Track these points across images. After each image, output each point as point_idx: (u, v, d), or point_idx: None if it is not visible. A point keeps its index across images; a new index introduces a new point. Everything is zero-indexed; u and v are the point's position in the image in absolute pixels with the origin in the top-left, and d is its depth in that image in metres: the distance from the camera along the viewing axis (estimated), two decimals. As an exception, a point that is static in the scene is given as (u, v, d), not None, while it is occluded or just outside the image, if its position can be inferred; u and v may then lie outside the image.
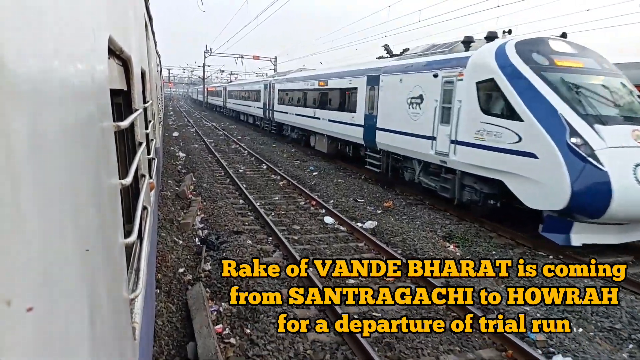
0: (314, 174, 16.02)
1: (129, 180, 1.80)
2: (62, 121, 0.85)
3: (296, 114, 22.11)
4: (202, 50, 56.75)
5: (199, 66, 65.40)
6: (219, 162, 17.51)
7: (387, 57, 20.54)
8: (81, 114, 1.03)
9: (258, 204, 11.04)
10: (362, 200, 12.13)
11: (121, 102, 2.59)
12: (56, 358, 0.72)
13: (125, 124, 1.84)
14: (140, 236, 2.32)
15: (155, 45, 11.53)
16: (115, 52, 1.99)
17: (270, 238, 8.63)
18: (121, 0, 2.19)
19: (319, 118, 19.02)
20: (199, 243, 8.16)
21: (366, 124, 14.75)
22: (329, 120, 17.89)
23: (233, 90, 44.41)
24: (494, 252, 8.26)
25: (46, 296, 0.69)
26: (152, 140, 4.73)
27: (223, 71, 73.79)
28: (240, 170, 16.17)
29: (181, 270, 7.11)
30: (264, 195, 12.36)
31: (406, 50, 22.29)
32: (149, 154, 3.90)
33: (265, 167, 17.01)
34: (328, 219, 9.97)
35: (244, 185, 13.26)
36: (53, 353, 0.70)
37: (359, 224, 9.59)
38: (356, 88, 15.62)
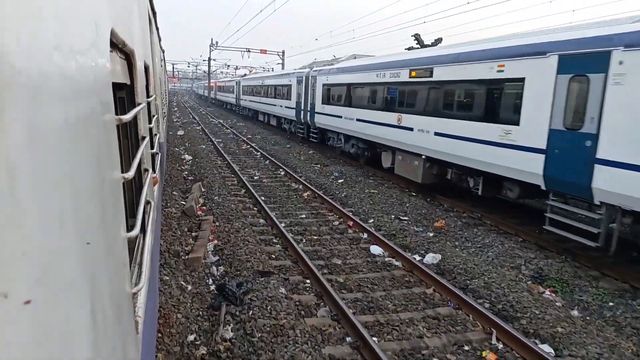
0: (340, 181, 13.92)
1: (131, 174, 1.78)
2: (62, 114, 0.84)
3: (358, 120, 15.55)
4: (207, 45, 54.55)
5: (204, 60, 63.26)
6: (230, 167, 15.42)
7: (418, 48, 18.43)
8: (82, 107, 1.01)
9: (283, 224, 8.95)
10: (407, 219, 10.03)
11: (124, 96, 2.58)
12: (55, 351, 0.71)
13: (127, 117, 1.82)
14: (143, 230, 2.38)
15: (160, 40, 11.13)
16: (118, 45, 1.96)
17: (308, 281, 6.53)
18: None
19: (409, 129, 12.26)
20: (214, 289, 6.08)
21: (563, 145, 7.61)
22: (438, 135, 11.03)
23: (250, 85, 36.04)
24: (610, 304, 6.13)
25: (45, 289, 0.68)
26: (155, 134, 4.59)
27: (229, 66, 71.71)
28: (255, 178, 14.07)
29: (191, 338, 5.04)
30: (288, 212, 10.26)
31: (439, 40, 20.21)
32: (152, 148, 3.76)
33: (282, 173, 14.90)
34: (375, 249, 7.86)
35: (263, 198, 11.18)
36: (52, 346, 0.69)
37: (417, 257, 7.49)
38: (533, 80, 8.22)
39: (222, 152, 18.58)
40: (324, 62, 21.54)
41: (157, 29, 8.94)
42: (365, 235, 8.63)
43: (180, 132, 24.92)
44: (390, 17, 27.83)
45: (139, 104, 2.64)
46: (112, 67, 1.63)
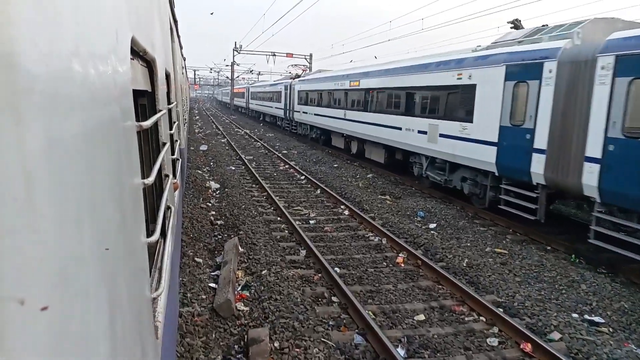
0: (432, 226, 9.60)
1: (151, 179, 1.76)
2: (81, 121, 0.84)
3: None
4: (229, 51, 51.22)
5: (226, 65, 59.91)
6: (272, 201, 11.27)
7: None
8: (102, 113, 1.00)
9: (403, 354, 4.70)
10: (604, 322, 5.65)
11: (145, 103, 2.61)
12: (73, 357, 0.70)
13: (147, 124, 1.82)
14: (163, 235, 2.36)
15: (181, 48, 10.96)
16: (139, 53, 1.98)
17: None
18: (145, 1, 2.18)
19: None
20: None
21: None
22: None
23: (315, 89, 23.38)
24: None
25: (62, 295, 0.67)
26: (176, 141, 4.61)
27: (252, 71, 68.21)
28: (311, 222, 9.84)
29: None
30: (397, 312, 5.90)
31: (545, 26, 15.25)
32: (173, 154, 3.79)
33: (347, 213, 10.65)
34: None
35: (337, 269, 6.97)
36: (69, 352, 0.69)
37: None
38: None
39: (257, 175, 14.45)
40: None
41: (179, 37, 8.87)
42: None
43: (204, 147, 20.99)
44: (426, 18, 23.99)
45: (160, 110, 2.68)
46: (133, 75, 1.66)
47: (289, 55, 53.15)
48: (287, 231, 9.08)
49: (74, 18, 0.82)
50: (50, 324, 0.62)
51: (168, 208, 2.54)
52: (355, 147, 18.75)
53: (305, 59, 53.76)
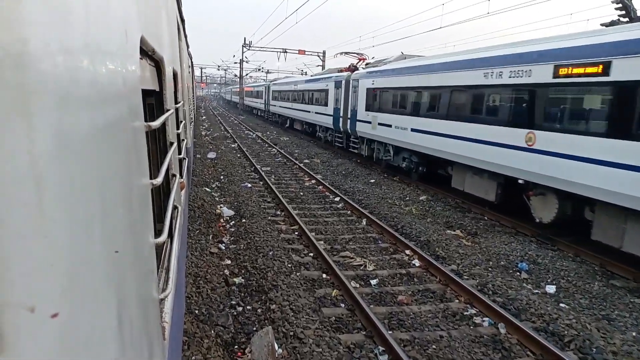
0: (551, 292, 6.48)
1: (159, 180, 1.73)
2: (91, 121, 0.82)
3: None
4: (236, 49, 48.20)
5: (235, 62, 56.88)
6: (308, 241, 8.18)
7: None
8: (112, 113, 0.99)
9: None
10: None
11: (153, 103, 2.59)
12: None
13: (156, 124, 1.78)
14: (170, 235, 2.33)
15: (188, 46, 10.84)
16: (147, 53, 1.97)
17: None
18: (153, 1, 2.16)
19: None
20: None
21: None
22: None
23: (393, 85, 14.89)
24: None
25: (72, 301, 0.66)
26: (183, 140, 4.62)
27: (259, 69, 65.13)
28: (372, 282, 6.66)
29: None
30: None
31: None
32: (179, 153, 3.78)
33: (418, 265, 7.48)
34: None
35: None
36: (79, 356, 0.68)
37: None
38: None
39: (279, 196, 11.32)
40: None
41: (186, 36, 8.80)
42: None
43: (212, 155, 17.90)
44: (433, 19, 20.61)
45: (168, 110, 2.65)
46: (142, 74, 1.65)
47: (301, 52, 50.23)
48: (343, 305, 5.93)
49: (84, 18, 0.81)
50: (61, 330, 0.60)
51: (175, 208, 2.52)
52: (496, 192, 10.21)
53: (318, 56, 50.76)
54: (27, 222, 0.54)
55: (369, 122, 16.35)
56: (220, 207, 10.28)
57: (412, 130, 13.20)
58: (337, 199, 11.75)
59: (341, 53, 22.16)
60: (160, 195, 2.67)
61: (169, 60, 2.84)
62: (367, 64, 18.67)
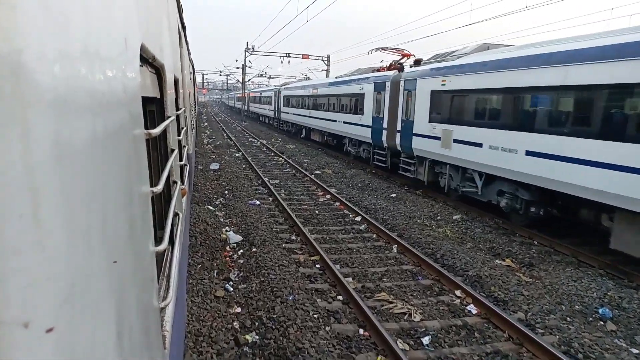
0: (613, 327, 4.99)
1: (160, 187, 1.71)
2: (90, 129, 0.80)
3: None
4: (238, 54, 46.94)
5: (237, 68, 55.58)
6: (336, 279, 6.72)
7: None
8: (111, 122, 0.97)
9: None
10: None
11: (154, 109, 2.55)
12: None
13: (156, 131, 1.75)
14: (171, 242, 2.30)
15: (189, 53, 10.41)
16: (148, 60, 1.95)
17: None
18: (154, 8, 2.12)
19: None
20: None
21: None
22: None
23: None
24: None
25: (69, 314, 0.63)
26: (184, 146, 4.58)
27: (262, 74, 63.82)
28: (424, 340, 5.12)
29: None
30: None
31: None
32: (181, 160, 3.70)
33: (475, 312, 5.98)
34: None
35: None
36: None
37: None
38: None
39: (293, 215, 9.85)
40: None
41: (187, 42, 8.61)
42: None
43: (215, 166, 16.46)
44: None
45: (169, 117, 2.62)
46: (142, 82, 1.63)
47: (305, 56, 49.09)
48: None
49: (83, 26, 0.80)
50: (57, 345, 0.59)
51: (176, 215, 2.48)
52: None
53: (323, 60, 49.54)
54: (23, 236, 0.53)
55: (437, 138, 11.94)
56: (226, 231, 8.82)
57: (528, 153, 8.76)
58: (359, 218, 10.27)
59: (377, 49, 17.85)
60: (162, 203, 2.65)
61: (169, 68, 2.82)
62: (416, 61, 14.75)
